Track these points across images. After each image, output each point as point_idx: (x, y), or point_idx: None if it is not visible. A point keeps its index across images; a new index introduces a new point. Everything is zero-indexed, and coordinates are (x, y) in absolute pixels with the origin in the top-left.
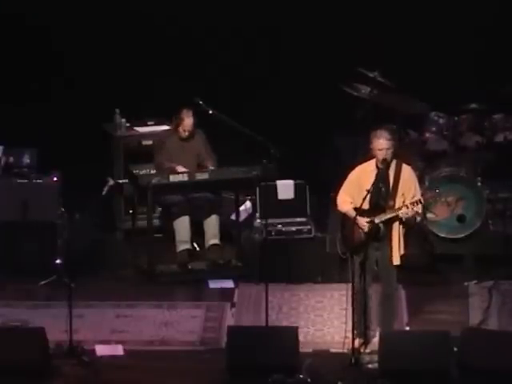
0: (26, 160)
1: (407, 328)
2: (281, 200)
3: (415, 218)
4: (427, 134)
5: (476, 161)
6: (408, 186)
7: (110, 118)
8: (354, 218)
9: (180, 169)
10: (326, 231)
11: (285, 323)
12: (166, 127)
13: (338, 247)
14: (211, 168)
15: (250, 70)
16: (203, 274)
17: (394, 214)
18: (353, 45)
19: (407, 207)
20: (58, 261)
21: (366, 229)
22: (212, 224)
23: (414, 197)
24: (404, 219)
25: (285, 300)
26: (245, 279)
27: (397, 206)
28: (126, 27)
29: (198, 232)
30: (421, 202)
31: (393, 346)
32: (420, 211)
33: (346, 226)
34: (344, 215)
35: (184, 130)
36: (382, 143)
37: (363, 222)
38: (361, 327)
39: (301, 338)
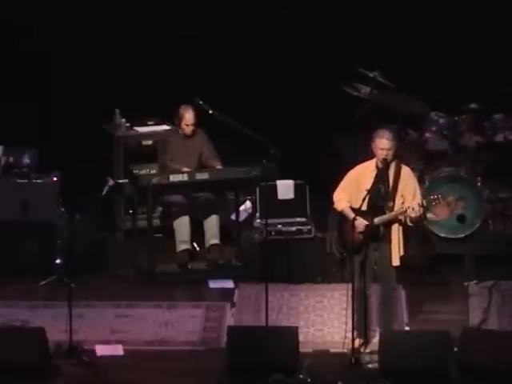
0: (26, 160)
1: (407, 328)
2: (281, 200)
3: (420, 217)
4: (427, 134)
5: (476, 161)
6: (408, 187)
7: (110, 118)
8: (354, 219)
9: (185, 170)
10: (326, 231)
11: (285, 323)
12: (166, 127)
13: (333, 247)
14: (219, 167)
15: (250, 70)
16: (203, 274)
17: (394, 216)
18: (353, 45)
19: (413, 208)
20: (57, 261)
21: (360, 229)
22: (212, 224)
23: (414, 198)
24: (409, 219)
25: (285, 300)
26: (245, 279)
27: (396, 207)
28: (125, 27)
29: (198, 232)
30: (423, 206)
31: (393, 346)
32: (421, 213)
33: (344, 226)
34: (341, 214)
35: (187, 125)
36: (384, 143)
37: (361, 223)
38: (361, 327)
39: (301, 338)
